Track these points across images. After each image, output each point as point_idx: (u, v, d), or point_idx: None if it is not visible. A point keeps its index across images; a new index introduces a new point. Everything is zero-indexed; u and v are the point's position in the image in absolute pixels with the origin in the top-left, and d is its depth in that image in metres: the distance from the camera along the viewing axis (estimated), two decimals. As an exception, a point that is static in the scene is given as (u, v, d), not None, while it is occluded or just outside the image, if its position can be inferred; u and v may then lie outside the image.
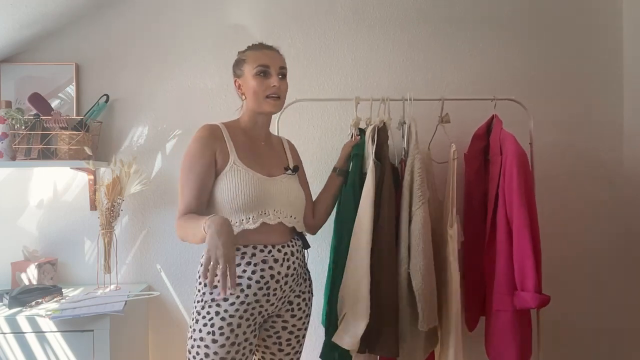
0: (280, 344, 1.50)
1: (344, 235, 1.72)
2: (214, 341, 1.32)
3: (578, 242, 2.28)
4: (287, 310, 1.49)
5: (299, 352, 1.55)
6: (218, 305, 1.34)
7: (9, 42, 2.06)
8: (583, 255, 2.28)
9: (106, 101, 2.15)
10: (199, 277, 1.39)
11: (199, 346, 1.34)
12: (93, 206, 2.15)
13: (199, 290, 1.39)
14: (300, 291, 1.52)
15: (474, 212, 1.95)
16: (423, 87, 2.23)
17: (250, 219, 1.40)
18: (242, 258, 1.39)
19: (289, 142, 1.72)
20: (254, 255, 1.39)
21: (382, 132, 1.79)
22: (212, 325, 1.33)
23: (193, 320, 1.38)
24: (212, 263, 1.15)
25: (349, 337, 1.58)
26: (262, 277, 1.39)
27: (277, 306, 1.46)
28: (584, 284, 2.28)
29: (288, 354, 1.52)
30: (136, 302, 1.97)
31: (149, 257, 2.20)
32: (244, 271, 1.38)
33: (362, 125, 1.86)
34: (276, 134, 1.96)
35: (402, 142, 1.95)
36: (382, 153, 1.75)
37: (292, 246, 1.49)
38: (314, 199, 1.74)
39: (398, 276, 1.67)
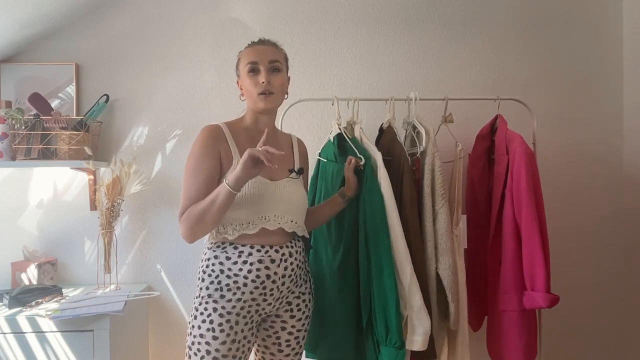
0: (280, 344, 1.49)
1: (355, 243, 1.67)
2: (215, 338, 1.32)
3: (581, 240, 2.28)
4: (286, 311, 1.48)
5: (299, 354, 1.54)
6: (215, 301, 1.35)
7: (9, 42, 2.06)
8: (585, 253, 2.28)
9: (106, 101, 2.15)
10: (203, 272, 1.40)
11: (199, 343, 1.34)
12: (93, 206, 2.15)
13: (198, 287, 1.41)
14: (299, 292, 1.50)
15: (478, 212, 1.94)
16: (424, 87, 2.23)
17: (250, 224, 1.38)
18: (239, 256, 1.38)
19: (299, 140, 1.63)
20: (250, 254, 1.38)
21: (389, 132, 1.78)
22: (212, 322, 1.33)
23: (192, 316, 1.39)
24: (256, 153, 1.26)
25: (420, 335, 1.56)
26: (257, 276, 1.37)
27: (274, 306, 1.45)
28: (585, 283, 2.28)
29: (288, 355, 1.50)
30: (136, 302, 1.97)
31: (149, 257, 2.20)
32: (240, 270, 1.37)
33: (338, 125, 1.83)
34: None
35: (406, 140, 1.94)
36: (394, 152, 1.74)
37: (292, 247, 1.46)
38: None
39: (427, 276, 1.67)
